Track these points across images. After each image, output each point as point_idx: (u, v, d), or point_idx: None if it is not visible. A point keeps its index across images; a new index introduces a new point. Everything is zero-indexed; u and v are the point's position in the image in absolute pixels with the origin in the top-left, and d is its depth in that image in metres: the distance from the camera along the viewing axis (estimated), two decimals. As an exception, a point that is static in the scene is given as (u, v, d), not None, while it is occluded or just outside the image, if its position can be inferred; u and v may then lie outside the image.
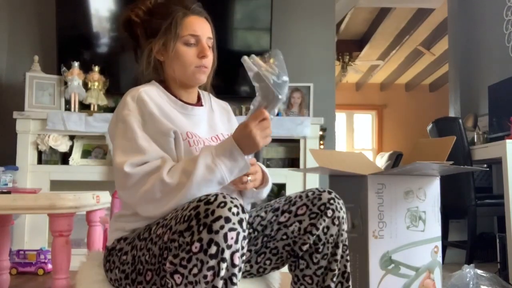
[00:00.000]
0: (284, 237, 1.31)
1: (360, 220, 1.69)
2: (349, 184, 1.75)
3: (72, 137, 3.39)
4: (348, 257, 1.31)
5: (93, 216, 2.22)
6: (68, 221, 1.84)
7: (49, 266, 2.93)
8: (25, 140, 3.27)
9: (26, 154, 3.26)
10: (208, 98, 1.48)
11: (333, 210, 1.28)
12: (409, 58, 7.92)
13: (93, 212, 2.19)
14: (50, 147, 3.27)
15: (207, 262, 1.01)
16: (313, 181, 3.37)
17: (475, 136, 3.62)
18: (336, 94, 3.97)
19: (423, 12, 6.13)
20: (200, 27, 1.34)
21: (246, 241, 1.07)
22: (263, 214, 1.35)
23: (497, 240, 2.90)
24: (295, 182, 3.35)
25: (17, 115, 3.26)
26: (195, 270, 1.02)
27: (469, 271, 2.34)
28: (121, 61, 3.64)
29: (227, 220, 1.02)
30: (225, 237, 1.01)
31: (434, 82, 9.13)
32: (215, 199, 1.04)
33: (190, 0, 1.37)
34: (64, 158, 3.38)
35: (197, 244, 1.01)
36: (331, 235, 1.28)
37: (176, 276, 1.04)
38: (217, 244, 1.01)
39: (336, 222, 1.28)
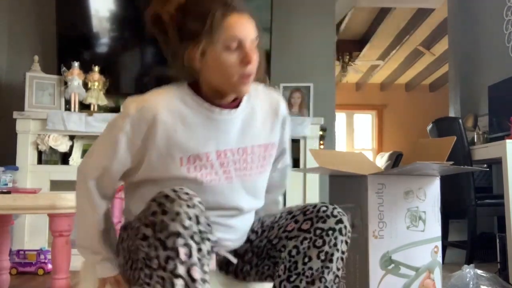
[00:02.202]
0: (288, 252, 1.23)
1: (360, 220, 1.69)
2: (349, 184, 1.75)
3: (72, 137, 3.39)
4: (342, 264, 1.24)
5: (93, 216, 2.21)
6: (68, 221, 1.84)
7: (49, 266, 2.93)
8: (25, 140, 3.27)
9: (26, 154, 3.25)
10: (255, 94, 1.27)
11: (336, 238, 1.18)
12: (409, 58, 7.92)
13: (93, 212, 2.19)
14: (50, 147, 3.27)
15: (169, 278, 1.00)
16: (313, 181, 3.37)
17: (475, 136, 3.62)
18: (336, 94, 3.97)
19: (423, 12, 6.12)
20: (243, 28, 1.13)
21: (205, 251, 1.04)
22: (270, 225, 1.32)
23: (497, 240, 2.90)
24: (295, 182, 3.34)
25: (17, 115, 3.26)
26: (158, 287, 1.02)
27: (469, 271, 2.34)
28: (121, 61, 3.64)
29: (179, 235, 1.00)
30: (178, 253, 1.00)
31: (434, 82, 9.12)
32: (172, 207, 1.02)
33: None
34: (64, 158, 3.38)
35: (155, 261, 1.02)
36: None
37: None
38: (173, 259, 1.00)
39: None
